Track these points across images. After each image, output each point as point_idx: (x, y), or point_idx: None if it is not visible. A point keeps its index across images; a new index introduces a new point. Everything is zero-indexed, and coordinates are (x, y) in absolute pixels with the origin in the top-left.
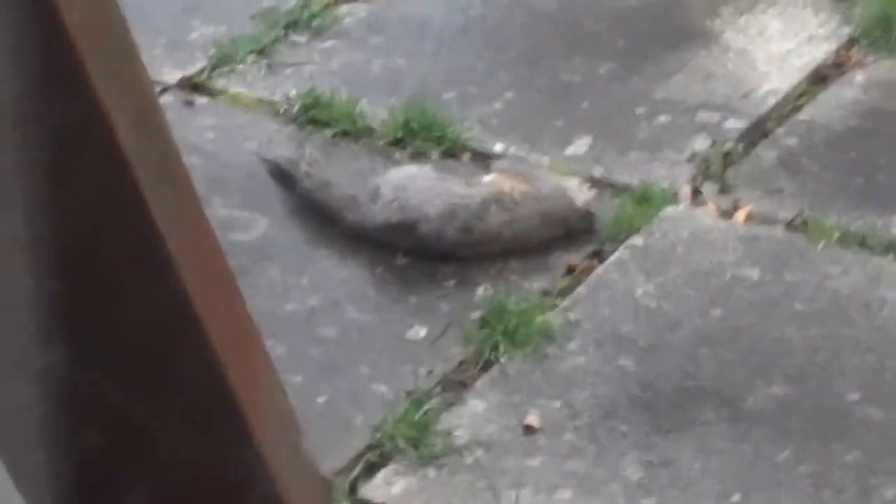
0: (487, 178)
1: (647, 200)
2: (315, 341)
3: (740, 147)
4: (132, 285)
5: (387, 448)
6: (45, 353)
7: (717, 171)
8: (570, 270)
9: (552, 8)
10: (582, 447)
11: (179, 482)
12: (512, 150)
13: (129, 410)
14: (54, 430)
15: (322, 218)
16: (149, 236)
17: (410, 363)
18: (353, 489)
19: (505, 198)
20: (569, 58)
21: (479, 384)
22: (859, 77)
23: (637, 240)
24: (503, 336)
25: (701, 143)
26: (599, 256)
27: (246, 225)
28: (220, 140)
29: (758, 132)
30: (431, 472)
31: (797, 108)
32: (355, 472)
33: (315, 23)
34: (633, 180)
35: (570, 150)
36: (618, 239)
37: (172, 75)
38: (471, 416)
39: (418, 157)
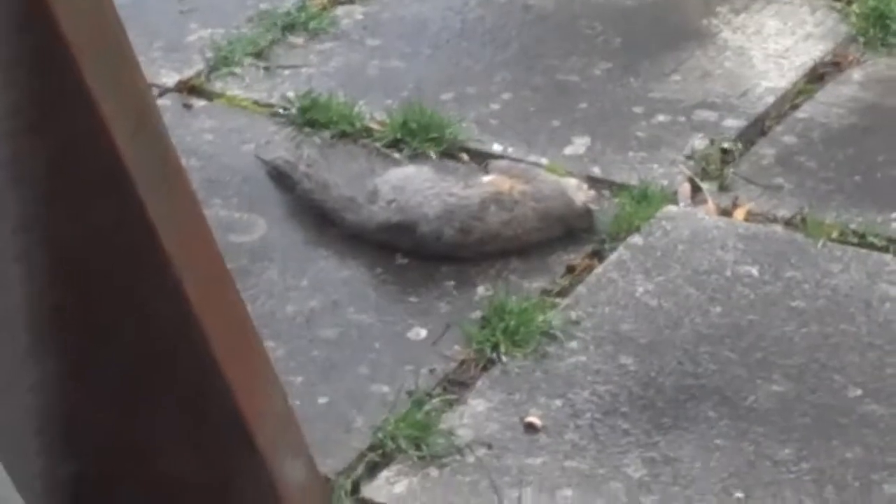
0: (486, 178)
1: (647, 199)
2: (315, 342)
3: (739, 145)
4: (131, 289)
5: (388, 448)
6: (45, 357)
7: (715, 169)
8: (570, 270)
9: (549, 8)
10: (583, 445)
11: (179, 482)
12: (510, 150)
13: (129, 413)
14: (53, 436)
15: (321, 219)
16: (147, 239)
17: (411, 363)
18: (355, 489)
19: (504, 198)
20: (566, 58)
21: (480, 384)
22: (857, 75)
23: (637, 239)
24: (504, 335)
25: (699, 142)
26: (599, 256)
27: (245, 227)
28: (219, 142)
29: (756, 130)
30: (434, 471)
31: (795, 106)
32: (357, 473)
33: (312, 25)
34: (632, 179)
35: (568, 150)
36: (617, 238)
37: (170, 78)
38: (472, 415)
39: (417, 157)
